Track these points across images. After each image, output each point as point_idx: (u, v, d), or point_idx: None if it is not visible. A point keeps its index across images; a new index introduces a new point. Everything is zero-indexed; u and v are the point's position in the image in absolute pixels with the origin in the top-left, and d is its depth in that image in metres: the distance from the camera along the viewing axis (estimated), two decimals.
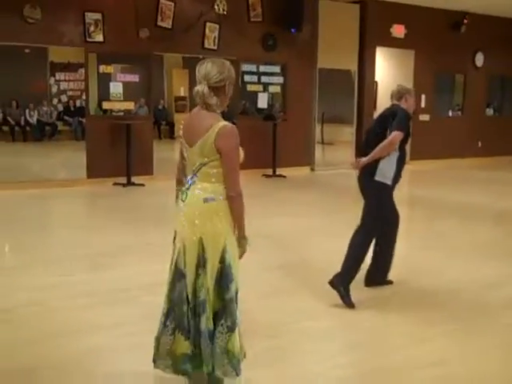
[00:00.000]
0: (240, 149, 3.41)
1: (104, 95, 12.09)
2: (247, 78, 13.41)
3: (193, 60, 13.02)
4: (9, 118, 16.84)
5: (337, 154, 15.51)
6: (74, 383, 3.88)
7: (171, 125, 20.87)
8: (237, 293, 3.48)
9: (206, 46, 12.48)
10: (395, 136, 5.26)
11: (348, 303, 5.17)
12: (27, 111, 17.62)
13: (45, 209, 9.82)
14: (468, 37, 16.17)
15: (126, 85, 11.98)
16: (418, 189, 12.81)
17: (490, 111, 18.00)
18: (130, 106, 12.19)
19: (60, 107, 18.83)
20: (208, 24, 12.43)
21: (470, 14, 15.82)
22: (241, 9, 12.90)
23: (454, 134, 16.51)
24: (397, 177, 5.43)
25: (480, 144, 17.26)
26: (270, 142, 13.10)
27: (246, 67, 13.34)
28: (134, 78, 12.27)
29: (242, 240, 3.47)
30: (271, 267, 6.15)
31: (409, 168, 14.95)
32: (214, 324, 3.42)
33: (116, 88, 11.88)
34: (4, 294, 5.47)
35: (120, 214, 9.14)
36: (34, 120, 17.61)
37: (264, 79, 13.71)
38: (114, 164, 11.56)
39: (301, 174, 13.74)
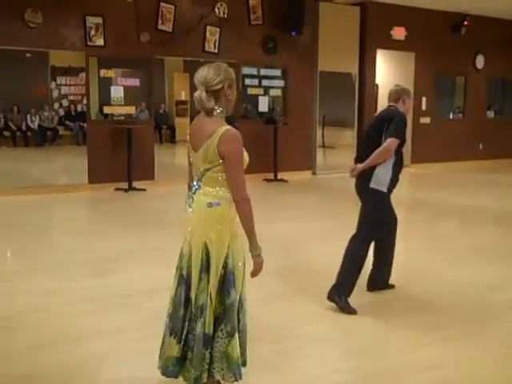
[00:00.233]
0: (245, 152, 3.40)
1: (105, 99, 12.10)
2: (248, 81, 13.41)
3: (194, 64, 13.04)
4: (10, 124, 16.87)
5: (338, 158, 15.50)
6: None
7: (172, 129, 20.88)
8: (241, 299, 3.48)
9: (207, 49, 12.48)
10: (390, 143, 5.15)
11: (348, 312, 5.14)
12: (28, 116, 17.64)
13: (46, 214, 9.82)
14: (468, 39, 16.17)
15: (126, 89, 11.99)
16: (419, 191, 12.82)
17: (490, 113, 17.99)
18: (130, 110, 12.19)
19: (61, 112, 18.85)
20: (208, 27, 12.45)
21: (471, 15, 15.83)
22: (241, 12, 12.91)
23: (455, 136, 16.51)
24: (393, 181, 5.35)
25: (481, 146, 17.25)
26: (271, 146, 13.10)
27: (246, 70, 13.34)
28: (135, 82, 12.27)
29: (253, 249, 3.40)
30: (273, 271, 6.14)
31: (410, 171, 15.12)
32: (214, 329, 3.42)
33: (117, 92, 11.88)
34: (5, 299, 5.46)
35: (122, 219, 9.14)
36: (35, 125, 17.63)
37: (265, 82, 13.71)
38: (116, 169, 11.56)
39: (302, 178, 13.74)
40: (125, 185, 11.48)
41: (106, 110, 12.09)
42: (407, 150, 15.43)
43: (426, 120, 16.07)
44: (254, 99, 13.67)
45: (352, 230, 5.43)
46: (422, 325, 5.00)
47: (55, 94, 18.86)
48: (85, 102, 12.19)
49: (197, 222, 3.42)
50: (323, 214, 9.78)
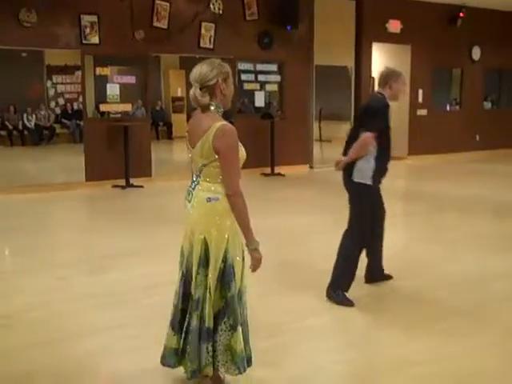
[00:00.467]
0: (242, 148, 3.43)
1: (101, 97, 12.09)
2: (244, 76, 13.40)
3: (190, 60, 13.03)
4: (7, 123, 16.85)
5: (335, 151, 15.37)
6: None
7: (169, 125, 20.88)
8: (240, 292, 3.50)
9: (202, 45, 12.47)
10: (365, 139, 5.09)
11: (345, 305, 5.15)
12: (25, 115, 17.63)
13: (44, 212, 9.81)
14: (464, 30, 16.16)
15: (122, 86, 11.97)
16: (416, 183, 12.84)
17: (487, 105, 17.99)
18: (127, 107, 12.19)
19: (57, 110, 18.84)
20: (204, 23, 12.43)
21: (466, 7, 15.81)
22: (236, 8, 12.89)
23: (452, 128, 16.51)
24: (379, 172, 5.24)
25: (478, 137, 17.25)
26: (267, 141, 13.10)
27: (242, 66, 13.33)
28: (131, 79, 12.25)
29: (250, 244, 3.42)
30: (271, 266, 6.14)
31: (407, 163, 15.13)
32: (216, 322, 3.45)
33: (113, 90, 11.87)
34: (4, 297, 5.47)
35: (120, 216, 9.14)
36: (31, 124, 17.61)
37: (261, 78, 13.71)
38: (113, 166, 11.56)
39: (300, 172, 13.74)
40: (122, 182, 11.48)
41: (103, 107, 12.10)
42: (404, 141, 15.45)
43: (422, 112, 16.07)
44: (251, 94, 13.67)
45: None
46: (421, 317, 5.01)
47: (51, 92, 18.83)
48: (81, 100, 12.18)
49: (197, 217, 3.44)
50: (321, 207, 9.78)
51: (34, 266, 6.48)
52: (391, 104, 5.33)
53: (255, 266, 3.45)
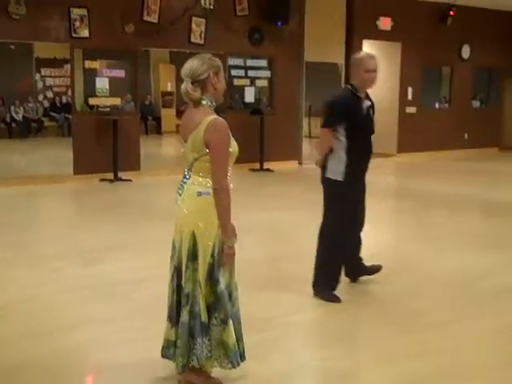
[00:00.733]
0: (234, 143, 3.45)
1: (90, 91, 12.02)
2: (234, 72, 13.37)
3: (180, 55, 12.99)
4: None
5: None
6: (66, 378, 3.88)
7: (158, 120, 20.82)
8: (229, 287, 3.51)
9: (193, 40, 12.43)
10: (320, 133, 5.12)
11: (333, 301, 5.14)
12: (13, 108, 17.53)
13: (32, 206, 9.77)
14: (454, 29, 16.19)
15: (112, 80, 11.92)
16: (405, 181, 12.88)
17: (476, 103, 18.04)
18: (116, 101, 12.14)
19: (46, 103, 18.75)
20: (194, 18, 12.38)
21: (457, 6, 15.85)
22: (227, 3, 12.85)
23: (441, 126, 16.56)
24: (353, 168, 5.08)
25: (466, 136, 17.31)
26: (257, 137, 13.07)
27: (232, 61, 13.30)
28: (120, 73, 12.21)
29: (226, 241, 3.42)
30: (258, 261, 6.15)
31: (396, 160, 15.16)
32: (208, 317, 3.45)
33: (102, 83, 11.82)
34: None
35: (108, 211, 9.11)
36: (19, 117, 17.53)
37: (251, 73, 13.68)
38: (101, 160, 11.51)
39: (288, 168, 13.74)
40: (110, 175, 11.44)
41: (92, 101, 12.03)
42: (393, 139, 15.49)
43: (412, 110, 16.10)
44: (241, 90, 13.65)
45: None
46: (408, 312, 5.03)
47: (40, 85, 18.74)
48: (70, 93, 12.13)
49: (186, 211, 3.45)
50: (309, 203, 9.73)
51: (23, 258, 6.45)
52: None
53: (225, 262, 3.46)
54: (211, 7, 12.50)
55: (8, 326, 4.66)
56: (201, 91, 3.41)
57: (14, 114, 17.53)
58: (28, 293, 5.38)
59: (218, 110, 3.51)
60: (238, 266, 3.52)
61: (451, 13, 15.97)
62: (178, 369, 3.52)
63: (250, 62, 13.63)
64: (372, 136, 5.33)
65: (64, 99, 18.09)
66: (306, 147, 14.74)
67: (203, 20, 12.47)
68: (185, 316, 3.44)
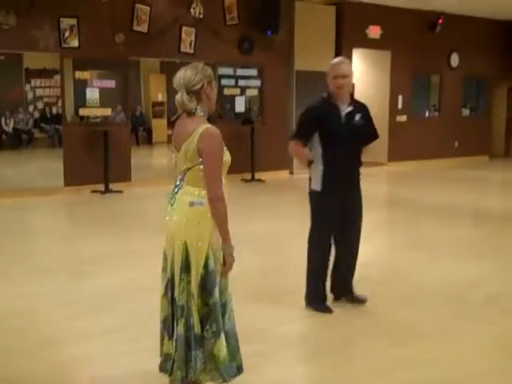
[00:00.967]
0: (227, 152, 3.43)
1: (80, 101, 11.99)
2: (224, 81, 13.37)
3: (170, 65, 13.01)
4: None
5: None
6: None
7: (149, 131, 20.80)
8: (223, 299, 3.46)
9: (183, 49, 12.43)
10: (290, 146, 5.12)
11: (324, 311, 5.12)
12: (3, 119, 17.47)
13: (22, 218, 9.72)
14: (443, 37, 16.28)
15: (102, 91, 11.89)
16: (395, 189, 12.89)
17: (466, 111, 18.12)
18: (106, 112, 12.10)
19: (36, 114, 18.71)
20: (184, 28, 12.39)
21: (445, 14, 15.93)
22: (217, 12, 12.87)
23: (431, 134, 16.62)
24: (331, 179, 4.98)
25: (457, 144, 17.38)
26: (248, 146, 13.07)
27: (222, 71, 13.31)
28: (111, 83, 12.18)
29: (226, 248, 3.40)
30: (249, 271, 6.12)
31: (386, 169, 15.18)
32: (201, 329, 3.40)
33: (92, 94, 11.79)
34: None
35: (100, 222, 9.07)
36: (9, 128, 17.47)
37: (241, 83, 13.69)
38: (92, 171, 11.47)
39: (280, 178, 13.74)
40: (101, 187, 11.39)
41: (82, 112, 12.00)
42: (384, 148, 15.50)
43: (402, 118, 16.16)
44: (231, 99, 13.65)
45: None
46: (401, 322, 5.02)
47: (30, 96, 18.71)
48: (60, 104, 12.09)
49: (178, 222, 3.40)
50: (300, 213, 9.72)
51: (13, 272, 6.39)
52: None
53: (227, 271, 3.44)
54: (201, 16, 12.52)
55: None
56: (196, 101, 3.40)
57: (4, 126, 17.46)
58: (19, 306, 5.32)
59: (209, 120, 3.50)
60: (229, 276, 3.49)
61: (440, 21, 16.06)
62: (176, 382, 3.43)
63: (240, 72, 13.64)
64: (373, 141, 5.32)
65: (54, 110, 18.05)
66: None
67: (193, 29, 12.48)
68: (180, 328, 3.39)
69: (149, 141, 20.65)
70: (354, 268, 5.34)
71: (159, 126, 20.75)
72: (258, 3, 13.16)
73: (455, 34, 16.45)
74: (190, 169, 3.38)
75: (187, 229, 3.37)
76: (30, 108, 18.59)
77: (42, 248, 7.65)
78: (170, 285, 3.48)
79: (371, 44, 15.30)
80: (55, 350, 4.41)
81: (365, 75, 15.83)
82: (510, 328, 4.97)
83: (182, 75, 3.40)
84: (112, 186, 11.46)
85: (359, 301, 5.33)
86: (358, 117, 5.07)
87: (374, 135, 5.36)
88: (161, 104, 21.28)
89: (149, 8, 11.95)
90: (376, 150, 5.51)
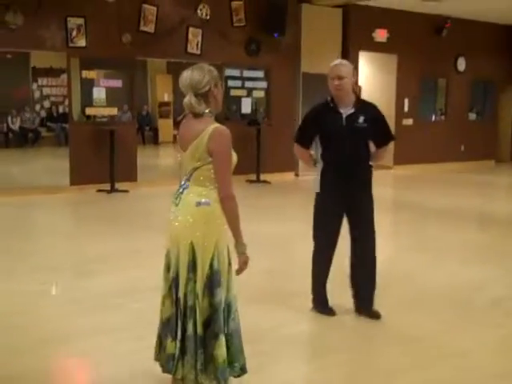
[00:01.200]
0: (233, 153, 3.42)
1: (87, 101, 12.02)
2: (231, 83, 13.38)
3: (177, 65, 13.02)
4: None
5: None
6: None
7: (155, 131, 20.84)
8: (228, 300, 3.46)
9: (189, 50, 12.45)
10: (294, 148, 5.17)
11: (327, 314, 5.11)
12: (10, 117, 17.53)
13: (28, 216, 9.74)
14: (450, 41, 16.25)
15: (109, 90, 11.92)
16: (401, 192, 12.88)
17: (472, 115, 18.07)
18: (113, 111, 12.12)
19: (43, 113, 18.77)
20: (191, 29, 12.41)
21: (452, 18, 15.91)
22: (224, 14, 12.88)
23: (438, 138, 16.59)
24: (328, 181, 4.98)
25: (463, 148, 17.35)
26: (254, 148, 13.08)
27: (229, 72, 13.32)
28: (118, 83, 12.21)
29: (239, 247, 3.40)
30: (255, 273, 6.11)
31: (392, 172, 15.15)
32: (205, 330, 3.40)
33: (99, 93, 11.82)
34: None
35: (105, 221, 9.08)
36: (16, 127, 17.52)
37: (248, 84, 13.70)
38: (98, 170, 11.49)
39: (285, 180, 13.73)
40: (107, 186, 11.41)
41: (89, 111, 12.02)
42: (390, 151, 15.47)
43: (408, 122, 16.12)
44: (238, 101, 13.66)
45: None
46: (405, 323, 5.01)
47: (37, 95, 18.77)
48: (67, 103, 12.12)
49: (183, 221, 3.40)
50: (306, 215, 9.73)
51: (18, 270, 6.41)
52: None
53: (242, 269, 3.43)
54: (207, 18, 12.53)
55: (2, 338, 4.60)
56: (205, 104, 3.39)
57: (11, 124, 17.51)
58: (22, 304, 5.33)
59: (215, 120, 3.50)
60: (234, 278, 3.49)
61: (447, 25, 16.03)
62: (190, 382, 3.41)
63: (246, 73, 13.65)
64: (385, 145, 5.30)
65: (61, 109, 18.10)
66: None
67: (200, 30, 12.49)
68: (190, 329, 3.38)
69: (155, 140, 20.69)
70: (374, 280, 5.17)
71: (165, 126, 20.79)
72: (265, 5, 13.17)
73: (462, 38, 16.41)
74: (197, 168, 3.37)
75: (193, 228, 3.37)
76: (37, 107, 18.66)
77: (47, 246, 7.66)
78: (174, 285, 3.47)
79: (378, 47, 15.28)
80: (59, 348, 4.43)
81: (371, 78, 15.81)
82: None
83: (189, 77, 3.38)
84: (118, 186, 11.47)
85: (375, 316, 5.10)
86: (361, 119, 4.98)
87: (386, 137, 5.29)
88: (167, 104, 21.32)
89: (156, 8, 11.97)
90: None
